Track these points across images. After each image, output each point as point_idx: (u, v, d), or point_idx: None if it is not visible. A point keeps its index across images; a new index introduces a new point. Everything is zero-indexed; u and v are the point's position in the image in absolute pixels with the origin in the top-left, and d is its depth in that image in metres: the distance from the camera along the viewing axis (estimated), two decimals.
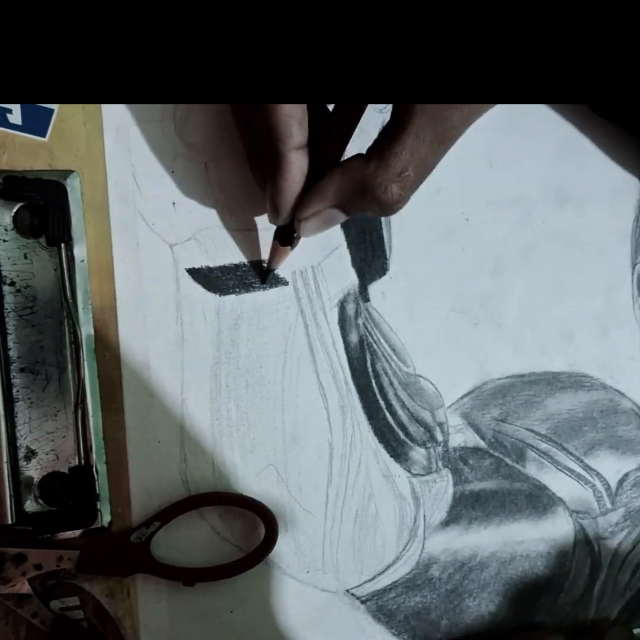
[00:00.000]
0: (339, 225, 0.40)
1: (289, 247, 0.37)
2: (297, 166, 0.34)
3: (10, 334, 0.35)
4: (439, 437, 0.41)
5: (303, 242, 0.38)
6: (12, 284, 0.35)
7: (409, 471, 0.41)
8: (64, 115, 0.36)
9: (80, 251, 0.36)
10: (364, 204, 0.34)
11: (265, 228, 0.39)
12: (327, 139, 0.34)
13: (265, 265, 0.39)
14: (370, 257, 0.40)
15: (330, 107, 0.36)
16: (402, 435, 0.41)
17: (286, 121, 0.33)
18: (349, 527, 0.40)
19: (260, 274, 0.39)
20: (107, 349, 0.37)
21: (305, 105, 0.33)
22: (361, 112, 0.34)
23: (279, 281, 0.39)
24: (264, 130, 0.33)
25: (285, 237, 0.37)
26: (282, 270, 0.39)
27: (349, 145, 0.35)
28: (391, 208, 0.33)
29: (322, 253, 0.40)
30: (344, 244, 0.40)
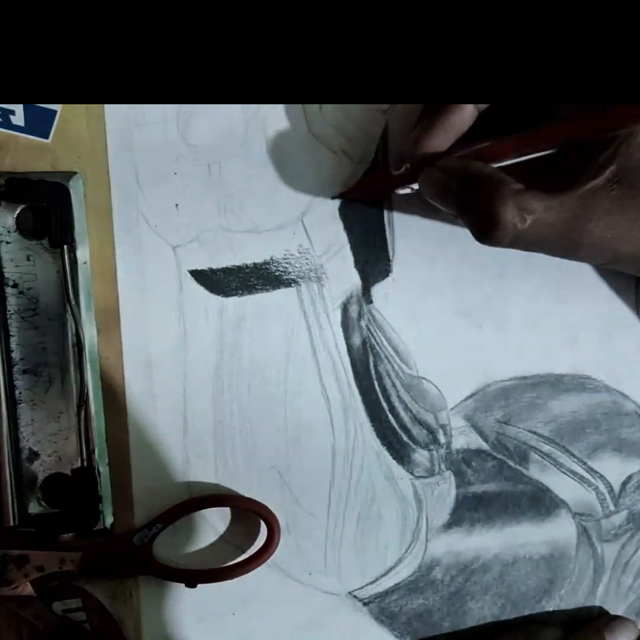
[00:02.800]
0: (341, 227, 0.40)
1: (398, 190, 0.37)
2: (460, 115, 0.34)
3: (13, 335, 0.35)
4: (442, 439, 0.41)
5: (305, 245, 0.38)
6: (15, 285, 0.35)
7: (411, 473, 0.41)
8: (66, 116, 0.36)
9: (83, 253, 0.36)
10: (475, 199, 0.33)
11: (268, 230, 0.39)
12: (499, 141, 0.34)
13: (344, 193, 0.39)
14: (373, 259, 0.40)
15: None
16: (404, 438, 0.41)
17: None
18: (351, 529, 0.40)
19: (334, 193, 0.39)
20: (110, 351, 0.37)
21: None
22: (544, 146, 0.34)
23: (281, 283, 0.39)
24: None
25: (402, 181, 0.37)
26: (286, 272, 0.39)
27: None
28: (489, 227, 0.32)
29: (325, 255, 0.39)
30: (347, 245, 0.40)
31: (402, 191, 0.37)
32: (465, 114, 0.35)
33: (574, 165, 0.34)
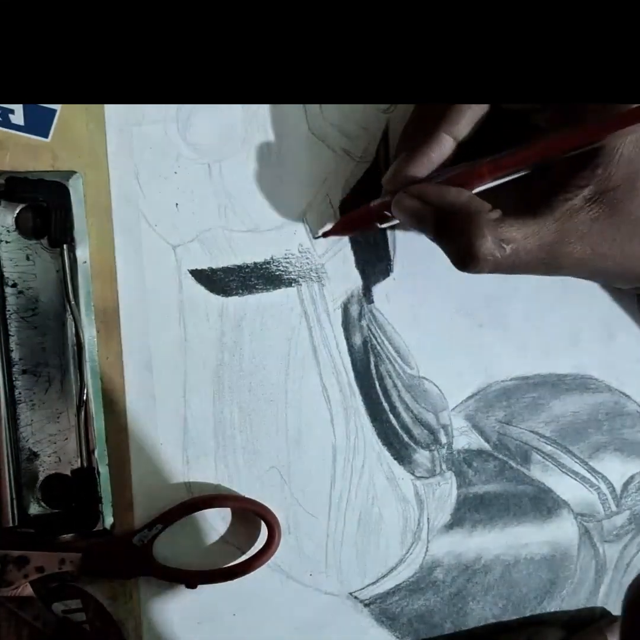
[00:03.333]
0: None
1: (374, 224, 0.37)
2: (439, 150, 0.34)
3: (13, 335, 0.35)
4: (443, 439, 0.41)
5: (305, 244, 0.38)
6: (14, 285, 0.35)
7: (412, 474, 0.41)
8: (66, 116, 0.36)
9: (82, 252, 0.36)
10: (453, 231, 0.33)
11: (268, 229, 0.39)
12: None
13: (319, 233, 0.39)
14: (374, 259, 0.40)
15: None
16: (405, 438, 0.40)
17: (459, 108, 0.33)
18: (352, 529, 0.40)
19: (314, 234, 0.39)
20: (110, 351, 0.37)
21: (486, 111, 0.34)
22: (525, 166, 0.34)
23: (282, 282, 0.39)
24: (436, 107, 0.34)
25: (377, 215, 0.36)
26: (286, 272, 0.39)
27: None
28: (468, 260, 0.32)
29: (326, 254, 0.39)
30: (348, 245, 0.40)
31: (383, 226, 0.37)
32: (445, 149, 0.34)
33: (550, 183, 0.34)
